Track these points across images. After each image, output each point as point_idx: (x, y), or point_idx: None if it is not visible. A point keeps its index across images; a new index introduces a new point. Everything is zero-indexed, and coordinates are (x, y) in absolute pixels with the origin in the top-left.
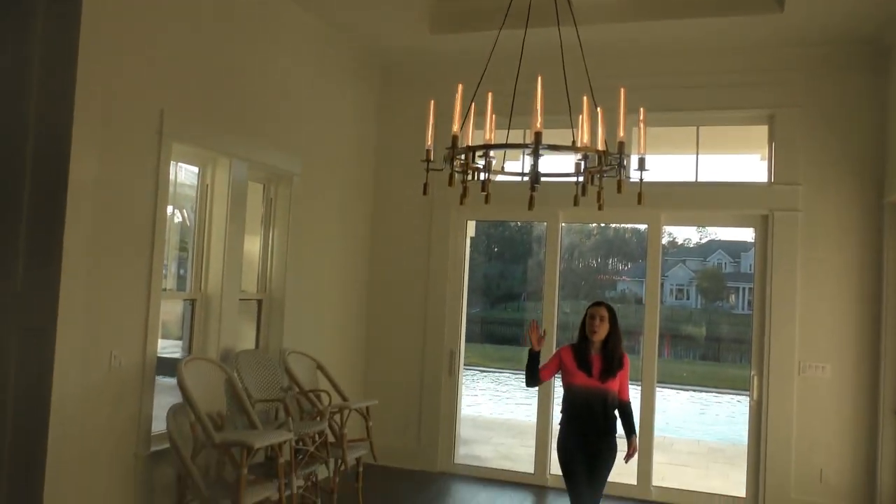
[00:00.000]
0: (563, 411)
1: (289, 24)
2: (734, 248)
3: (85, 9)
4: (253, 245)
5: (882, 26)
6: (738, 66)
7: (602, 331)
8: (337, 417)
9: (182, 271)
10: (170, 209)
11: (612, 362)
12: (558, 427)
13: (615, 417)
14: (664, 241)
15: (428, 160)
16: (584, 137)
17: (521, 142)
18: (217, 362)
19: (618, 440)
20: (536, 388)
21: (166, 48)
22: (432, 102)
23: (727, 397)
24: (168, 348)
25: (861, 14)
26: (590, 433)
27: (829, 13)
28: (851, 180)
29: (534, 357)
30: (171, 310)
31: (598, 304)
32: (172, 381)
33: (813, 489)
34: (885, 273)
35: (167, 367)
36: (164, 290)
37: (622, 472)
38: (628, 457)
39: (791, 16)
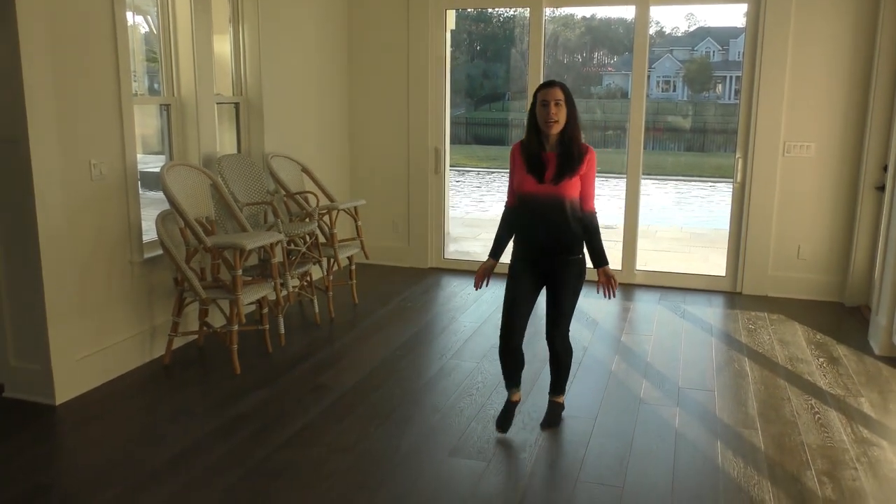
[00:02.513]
0: (516, 228)
1: None
2: (723, 35)
3: None
4: (223, 45)
5: None
6: None
7: (561, 117)
8: (326, 219)
9: (156, 85)
10: (131, 17)
11: (569, 159)
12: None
13: (578, 232)
14: (651, 30)
15: None
16: None
17: None
18: (200, 167)
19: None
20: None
21: None
22: None
23: (711, 185)
24: (150, 163)
25: None
26: (545, 254)
27: None
28: None
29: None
30: (147, 122)
31: (550, 84)
32: (158, 194)
33: (790, 265)
34: (877, 48)
35: (151, 180)
36: (136, 94)
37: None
38: (607, 289)
39: None
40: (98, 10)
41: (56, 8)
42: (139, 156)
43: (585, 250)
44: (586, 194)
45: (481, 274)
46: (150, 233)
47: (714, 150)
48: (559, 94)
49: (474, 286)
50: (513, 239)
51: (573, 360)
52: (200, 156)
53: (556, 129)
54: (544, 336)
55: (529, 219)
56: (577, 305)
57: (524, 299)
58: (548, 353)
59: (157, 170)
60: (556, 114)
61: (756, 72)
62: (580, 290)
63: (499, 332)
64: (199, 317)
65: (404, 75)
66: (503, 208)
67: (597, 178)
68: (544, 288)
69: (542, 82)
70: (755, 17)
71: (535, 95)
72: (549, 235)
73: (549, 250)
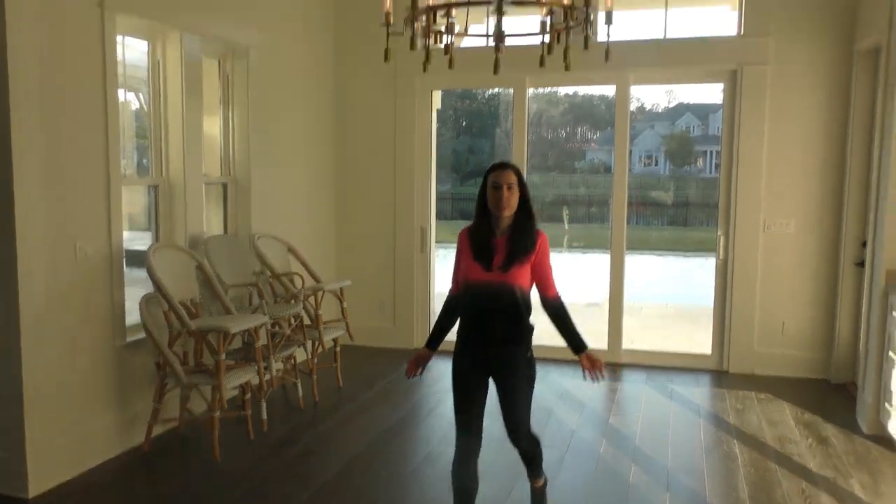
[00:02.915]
0: (460, 319)
1: None
2: (702, 110)
3: None
4: (213, 126)
5: None
6: None
7: (513, 202)
8: (311, 300)
9: (145, 161)
10: (122, 94)
11: (520, 245)
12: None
13: (528, 324)
14: (632, 107)
15: (388, 24)
16: None
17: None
18: (186, 249)
19: (533, 354)
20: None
21: None
22: None
23: (694, 259)
24: (136, 240)
25: None
26: (491, 346)
27: None
28: (821, 28)
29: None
30: (135, 200)
31: (502, 166)
32: (143, 273)
33: (775, 341)
34: (851, 124)
35: (136, 259)
36: (124, 175)
37: (593, 339)
38: (593, 373)
39: None
40: (89, 89)
41: (47, 85)
42: (125, 233)
43: (562, 337)
44: (545, 281)
45: (413, 364)
46: (133, 312)
47: (697, 224)
48: (511, 178)
49: (406, 374)
50: (456, 330)
51: (560, 444)
52: (187, 237)
53: (508, 213)
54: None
55: (476, 309)
56: (549, 391)
57: (476, 419)
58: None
59: (143, 248)
60: (508, 198)
61: (734, 149)
62: (534, 381)
63: (453, 456)
64: (181, 402)
65: (391, 154)
66: (447, 295)
67: (581, 254)
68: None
69: (493, 164)
70: (731, 95)
71: (485, 177)
72: (497, 327)
73: (498, 344)
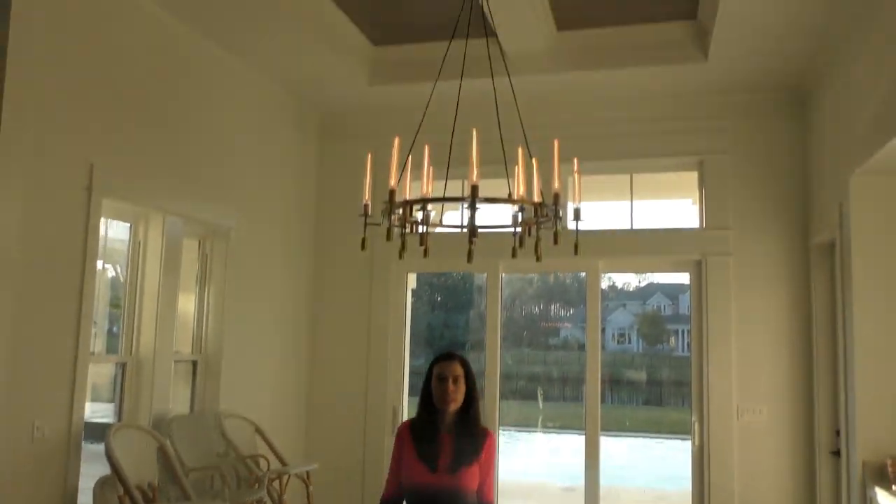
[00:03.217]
0: None
1: (226, 75)
2: (672, 290)
3: (11, 57)
4: (188, 303)
5: (798, 75)
6: (667, 113)
7: (459, 396)
8: (276, 483)
9: (115, 328)
10: (101, 264)
11: (468, 444)
12: None
13: None
14: (605, 285)
15: (366, 214)
16: (519, 189)
17: (460, 193)
18: (148, 429)
19: None
20: None
21: (99, 99)
22: (369, 156)
23: (670, 441)
24: (98, 412)
25: (778, 64)
26: None
27: (749, 63)
28: (779, 224)
29: None
30: (101, 372)
31: (448, 357)
32: (101, 447)
33: None
34: (814, 313)
35: (96, 432)
36: (93, 353)
37: None
38: None
39: (715, 65)
40: (68, 268)
41: (27, 260)
42: (87, 405)
43: None
44: (483, 485)
45: None
46: (84, 494)
47: (671, 404)
48: (458, 370)
49: None
50: None
51: None
52: (151, 415)
53: (454, 407)
54: None
55: None
56: None
57: None
58: None
59: (104, 420)
60: (454, 392)
61: (704, 335)
62: None
63: None
64: None
65: (365, 334)
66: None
67: (556, 435)
68: None
69: (438, 354)
70: (698, 284)
71: (430, 368)
72: None
73: None
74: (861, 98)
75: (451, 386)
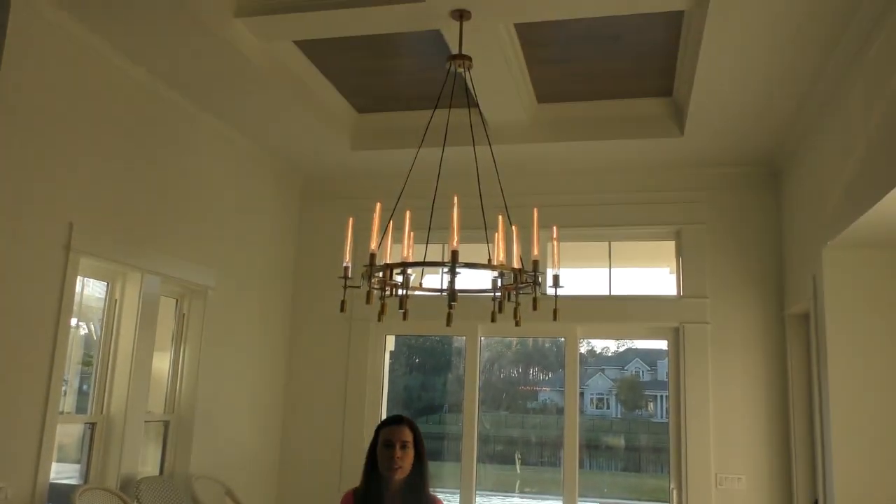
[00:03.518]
0: None
1: (209, 137)
2: (650, 356)
3: None
4: (162, 362)
5: (771, 151)
6: (644, 184)
7: (406, 463)
8: None
9: (85, 386)
10: (74, 321)
11: None
12: None
13: None
14: (583, 350)
15: (346, 277)
16: (499, 255)
17: (440, 257)
18: (116, 491)
19: None
20: None
21: (80, 158)
22: (350, 220)
23: None
24: (63, 473)
25: (751, 141)
26: None
27: (723, 139)
28: (754, 293)
29: None
30: (69, 431)
31: (396, 420)
32: None
33: None
34: (790, 382)
35: (61, 494)
36: (62, 412)
37: None
38: None
39: (691, 140)
40: (42, 326)
41: (0, 311)
42: (53, 465)
43: None
44: None
45: None
46: None
47: (650, 470)
48: (406, 434)
49: None
50: None
51: None
52: (119, 477)
53: (401, 475)
54: None
55: None
56: None
57: None
58: None
59: (69, 482)
60: (402, 458)
61: (682, 402)
62: None
63: None
64: None
65: (342, 395)
66: None
67: (533, 500)
68: None
69: (385, 418)
70: (675, 351)
71: (376, 432)
72: None
73: None
74: (831, 175)
75: (398, 452)
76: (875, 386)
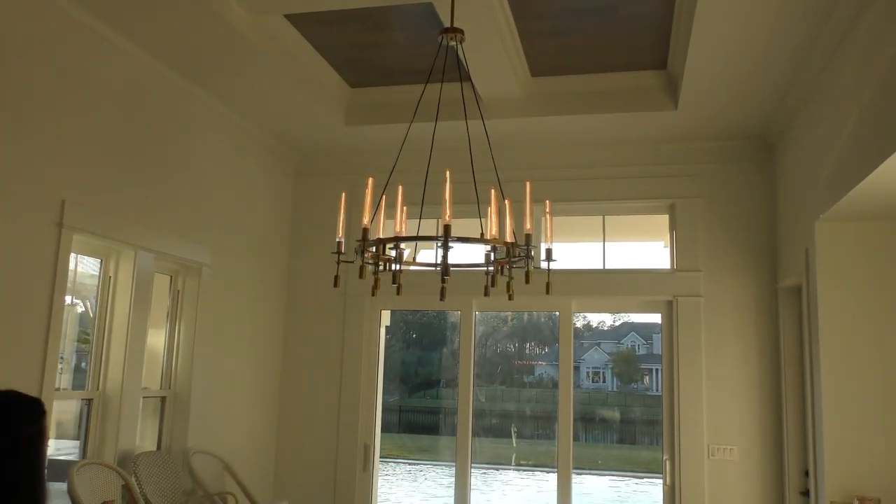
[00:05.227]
0: None
1: (202, 112)
2: (646, 330)
3: None
4: (157, 339)
5: (764, 125)
6: (638, 158)
7: None
8: None
9: (83, 364)
10: (69, 299)
11: None
12: None
13: None
14: (579, 324)
15: (339, 252)
16: (492, 230)
17: (433, 232)
18: (114, 466)
19: None
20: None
21: (71, 134)
22: (343, 195)
23: (643, 481)
24: (62, 450)
25: (745, 115)
26: None
27: (717, 113)
28: (748, 266)
29: None
30: (66, 408)
31: None
32: (64, 485)
33: None
34: (782, 355)
35: (59, 469)
36: (58, 389)
37: None
38: None
39: (685, 113)
40: (36, 302)
41: None
42: (51, 442)
43: None
44: None
45: None
46: None
47: (645, 443)
48: None
49: None
50: None
51: None
52: (117, 452)
53: None
54: None
55: None
56: None
57: None
58: None
59: (68, 457)
60: None
61: (675, 375)
62: None
63: None
64: None
65: (338, 370)
66: None
67: (530, 474)
68: None
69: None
70: (669, 324)
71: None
72: None
73: None
74: (823, 147)
75: None
76: (865, 358)
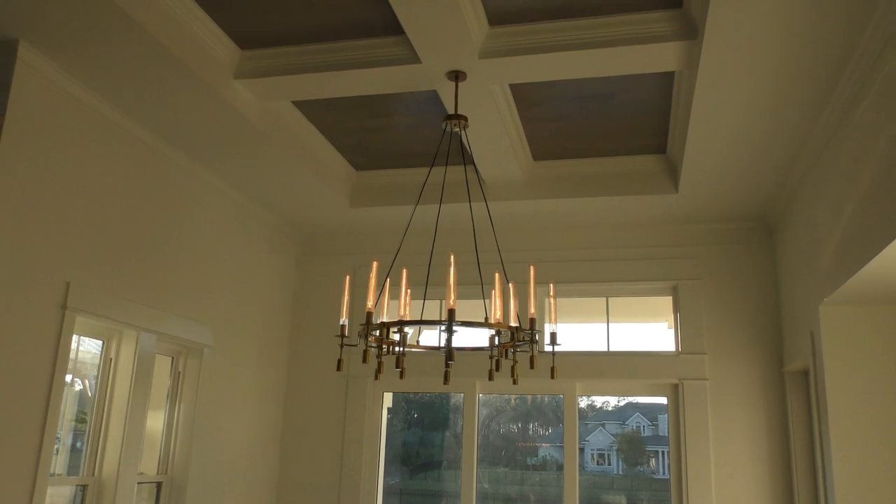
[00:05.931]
0: None
1: (206, 194)
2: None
3: None
4: (156, 421)
5: (765, 207)
6: (640, 240)
7: None
8: None
9: (79, 444)
10: (69, 378)
11: None
12: None
13: None
14: (583, 404)
15: (342, 335)
16: (496, 314)
17: (437, 313)
18: None
19: None
20: None
21: (78, 217)
22: (347, 278)
23: None
24: None
25: (744, 198)
26: None
27: (717, 195)
28: (753, 350)
29: None
30: (61, 493)
31: None
32: None
33: None
34: (792, 438)
35: None
36: (53, 474)
37: None
38: None
39: (685, 196)
40: (35, 383)
41: None
42: None
43: None
44: None
45: None
46: None
47: None
48: None
49: None
50: None
51: None
52: None
53: None
54: None
55: None
56: None
57: None
58: None
59: None
60: None
61: (682, 459)
62: None
63: None
64: None
65: (338, 452)
66: None
67: None
68: None
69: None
70: (675, 407)
71: None
72: None
73: None
74: (824, 231)
75: None
76: (877, 442)
